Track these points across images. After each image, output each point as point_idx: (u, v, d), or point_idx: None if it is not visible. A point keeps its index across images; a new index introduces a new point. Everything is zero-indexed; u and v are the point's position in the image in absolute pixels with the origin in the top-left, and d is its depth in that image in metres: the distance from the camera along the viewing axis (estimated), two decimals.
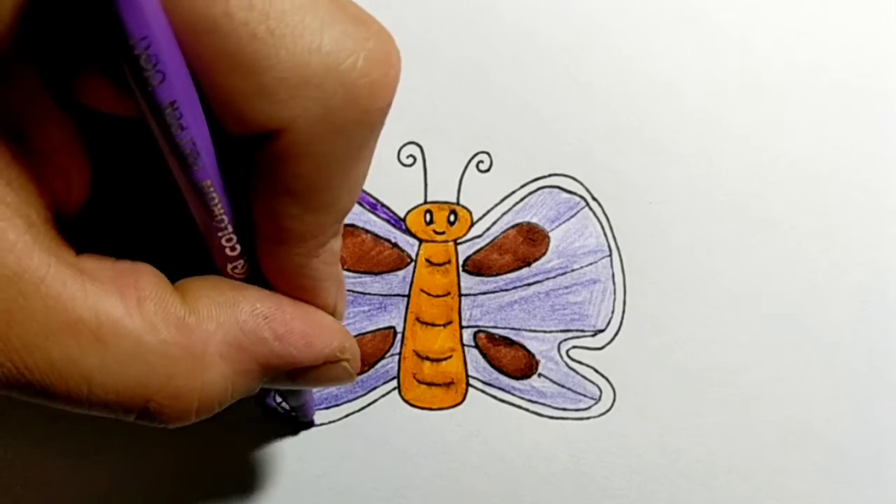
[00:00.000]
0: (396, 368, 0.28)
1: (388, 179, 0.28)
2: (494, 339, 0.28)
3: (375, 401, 0.28)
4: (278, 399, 0.27)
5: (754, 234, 0.28)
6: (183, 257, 0.19)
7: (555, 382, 0.28)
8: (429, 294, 0.28)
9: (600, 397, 0.28)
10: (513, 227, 0.28)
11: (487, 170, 0.28)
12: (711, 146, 0.29)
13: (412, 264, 0.28)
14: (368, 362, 0.28)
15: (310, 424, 0.27)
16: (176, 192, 0.17)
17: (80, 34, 0.16)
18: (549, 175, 0.28)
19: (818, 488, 0.28)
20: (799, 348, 0.28)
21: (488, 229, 0.28)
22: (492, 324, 0.28)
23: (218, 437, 0.27)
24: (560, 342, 0.28)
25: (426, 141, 0.28)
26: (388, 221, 0.28)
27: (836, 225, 0.28)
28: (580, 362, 0.28)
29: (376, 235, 0.28)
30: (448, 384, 0.28)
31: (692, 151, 0.29)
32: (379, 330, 0.28)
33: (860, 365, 0.28)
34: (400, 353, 0.28)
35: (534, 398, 0.28)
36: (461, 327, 0.28)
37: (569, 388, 0.28)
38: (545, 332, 0.28)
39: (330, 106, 0.16)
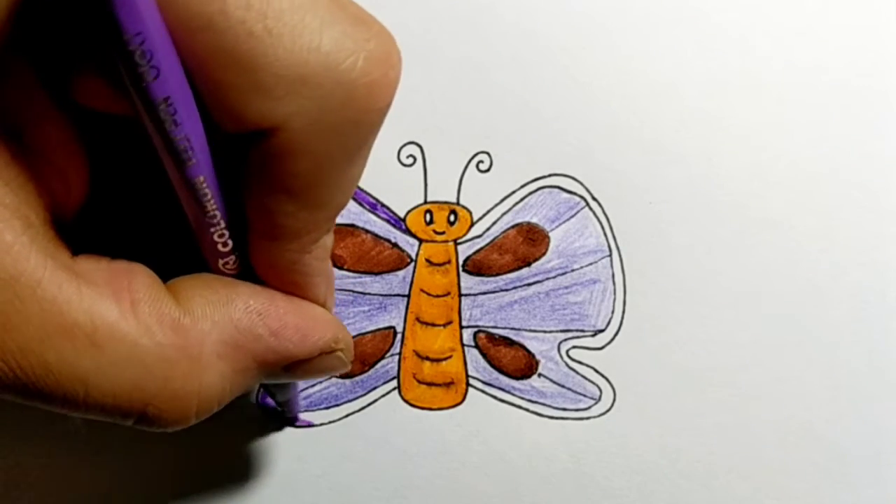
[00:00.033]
0: (396, 368, 0.28)
1: (388, 179, 0.28)
2: (494, 339, 0.28)
3: (375, 401, 0.28)
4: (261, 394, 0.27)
5: (754, 234, 0.28)
6: (173, 254, 0.19)
7: (555, 382, 0.28)
8: (429, 294, 0.28)
9: (600, 397, 0.28)
10: (513, 227, 0.28)
11: (487, 170, 0.28)
12: (711, 146, 0.29)
13: (412, 264, 0.28)
14: (368, 362, 0.28)
15: (294, 420, 0.27)
16: (169, 190, 0.17)
17: (76, 32, 0.16)
18: (549, 175, 0.28)
19: (818, 488, 0.28)
20: (799, 348, 0.28)
21: (488, 229, 0.28)
22: (492, 324, 0.28)
23: (217, 437, 0.27)
24: (560, 342, 0.28)
25: (426, 141, 0.28)
26: (388, 221, 0.28)
27: (836, 225, 0.28)
28: (580, 362, 0.28)
29: (376, 235, 0.28)
30: (448, 384, 0.28)
31: (692, 151, 0.29)
32: (379, 330, 0.28)
33: (860, 365, 0.28)
34: (400, 353, 0.28)
35: (534, 398, 0.28)
36: (461, 327, 0.28)
37: (569, 388, 0.28)
38: (545, 332, 0.28)
39: (327, 105, 0.16)
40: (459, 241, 0.28)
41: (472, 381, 0.28)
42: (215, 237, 0.18)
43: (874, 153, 0.29)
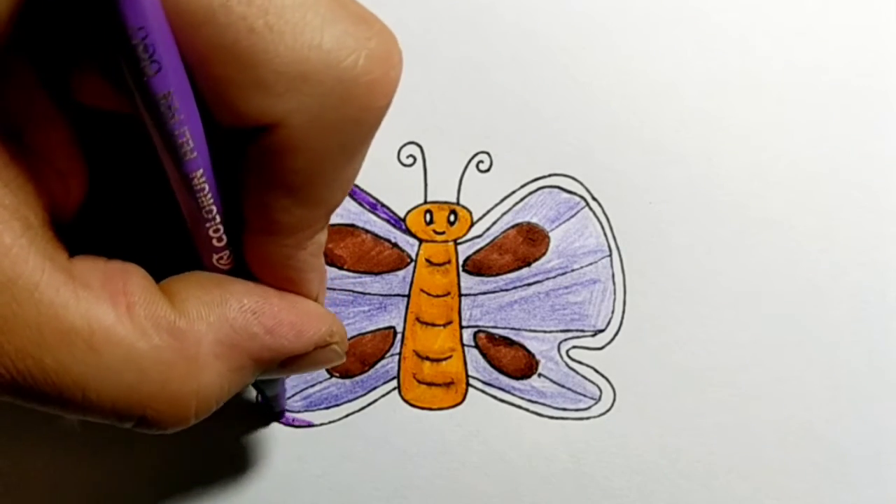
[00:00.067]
0: (396, 368, 0.28)
1: (388, 179, 0.28)
2: (494, 339, 0.28)
3: (375, 401, 0.28)
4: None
5: (754, 234, 0.28)
6: (166, 251, 0.19)
7: (555, 382, 0.28)
8: (429, 294, 0.28)
9: (600, 397, 0.28)
10: (513, 227, 0.28)
11: (487, 170, 0.28)
12: (711, 146, 0.29)
13: (412, 264, 0.28)
14: (368, 362, 0.28)
15: (281, 415, 0.27)
16: (163, 187, 0.17)
17: (76, 28, 0.16)
18: (549, 175, 0.28)
19: (818, 488, 0.28)
20: (799, 348, 0.28)
21: (488, 229, 0.28)
22: (492, 324, 0.28)
23: (217, 436, 0.27)
24: (560, 342, 0.28)
25: (426, 141, 0.28)
26: (388, 221, 0.28)
27: (836, 225, 0.28)
28: (580, 362, 0.28)
29: (376, 235, 0.28)
30: (448, 384, 0.28)
31: (692, 151, 0.29)
32: (379, 330, 0.28)
33: (860, 365, 0.28)
34: (400, 353, 0.28)
35: (534, 398, 0.28)
36: (461, 327, 0.28)
37: (569, 388, 0.28)
38: (545, 332, 0.28)
39: (327, 103, 0.16)
40: (459, 241, 0.28)
41: (472, 381, 0.28)
42: (210, 232, 0.18)
43: (874, 153, 0.29)
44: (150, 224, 0.20)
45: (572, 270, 0.28)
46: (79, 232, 0.18)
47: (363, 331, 0.28)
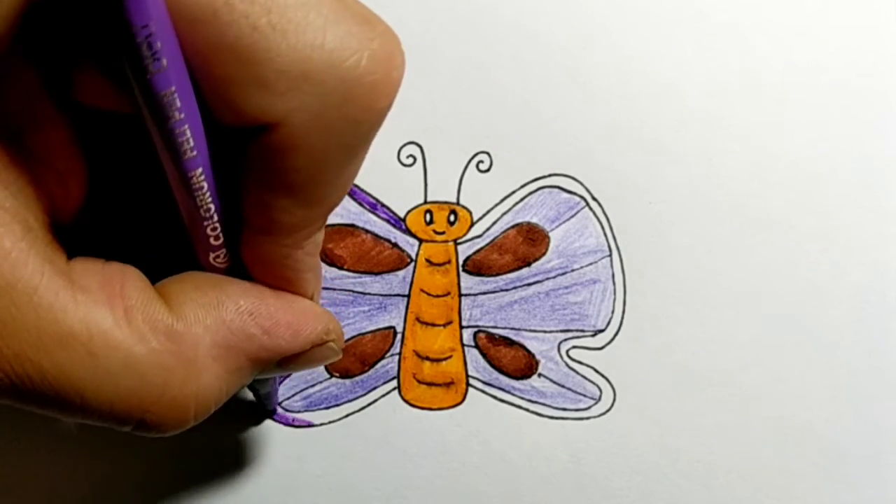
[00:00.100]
0: (396, 368, 0.28)
1: (388, 179, 0.28)
2: (494, 339, 0.28)
3: (375, 401, 0.28)
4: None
5: (754, 234, 0.28)
6: (163, 250, 0.19)
7: (555, 382, 0.28)
8: (429, 294, 0.28)
9: (600, 397, 0.28)
10: (513, 227, 0.28)
11: (487, 170, 0.28)
12: (711, 146, 0.29)
13: (412, 264, 0.28)
14: (368, 362, 0.28)
15: (273, 412, 0.27)
16: (162, 184, 0.17)
17: (78, 26, 0.16)
18: (549, 175, 0.28)
19: (818, 488, 0.28)
20: (799, 348, 0.28)
21: (488, 229, 0.28)
22: (492, 324, 0.28)
23: (217, 436, 0.27)
24: (560, 342, 0.28)
25: (426, 141, 0.28)
26: (388, 221, 0.28)
27: (836, 225, 0.28)
28: (580, 362, 0.28)
29: (376, 235, 0.28)
30: (448, 384, 0.28)
31: (692, 151, 0.29)
32: (379, 330, 0.28)
33: (860, 365, 0.28)
34: (400, 353, 0.28)
35: (534, 398, 0.28)
36: (461, 327, 0.28)
37: (569, 388, 0.28)
38: (545, 332, 0.28)
39: (329, 102, 0.16)
40: (459, 241, 0.28)
41: (472, 381, 0.28)
42: (208, 231, 0.18)
43: (874, 153, 0.29)
44: (148, 223, 0.20)
45: (572, 270, 0.28)
46: (76, 232, 0.18)
47: (363, 331, 0.28)
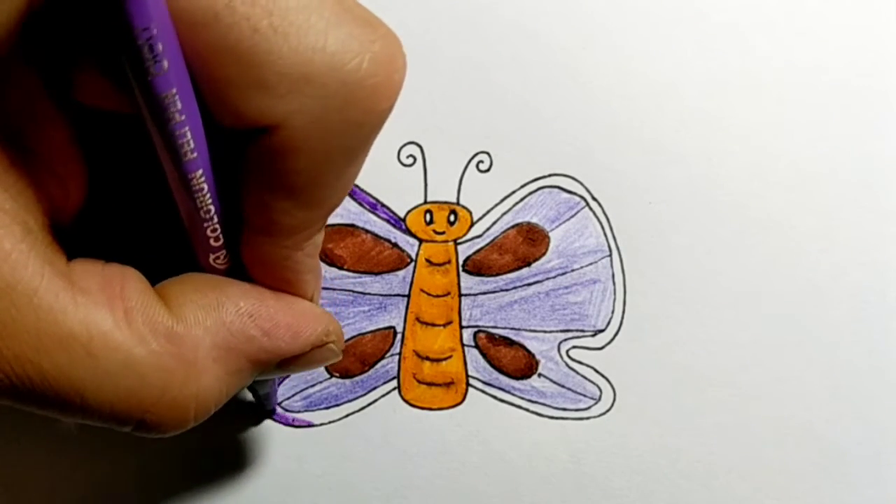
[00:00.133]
0: (396, 368, 0.28)
1: (388, 179, 0.28)
2: (494, 339, 0.28)
3: (375, 401, 0.28)
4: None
5: (754, 234, 0.28)
6: (162, 252, 0.19)
7: (555, 382, 0.28)
8: (429, 294, 0.28)
9: (600, 397, 0.28)
10: (513, 227, 0.28)
11: (487, 170, 0.28)
12: (711, 146, 0.29)
13: (412, 264, 0.28)
14: (368, 362, 0.28)
15: (273, 412, 0.27)
16: (162, 185, 0.17)
17: (79, 27, 0.16)
18: (549, 175, 0.28)
19: (818, 488, 0.28)
20: (799, 348, 0.28)
21: (488, 229, 0.28)
22: (492, 324, 0.28)
23: (217, 436, 0.27)
24: (560, 342, 0.28)
25: (426, 141, 0.28)
26: (388, 221, 0.28)
27: (836, 225, 0.28)
28: (580, 362, 0.28)
29: (376, 235, 0.28)
30: (448, 384, 0.28)
31: (692, 151, 0.29)
32: (379, 330, 0.28)
33: (860, 365, 0.28)
34: (400, 353, 0.28)
35: (534, 398, 0.28)
36: (461, 327, 0.28)
37: (569, 388, 0.28)
38: (545, 332, 0.28)
39: (330, 105, 0.16)
40: (459, 241, 0.28)
41: (472, 381, 0.28)
42: (208, 232, 0.18)
43: (874, 153, 0.29)
44: (147, 224, 0.20)
45: (572, 270, 0.28)
46: (76, 233, 0.18)
47: (363, 331, 0.28)
